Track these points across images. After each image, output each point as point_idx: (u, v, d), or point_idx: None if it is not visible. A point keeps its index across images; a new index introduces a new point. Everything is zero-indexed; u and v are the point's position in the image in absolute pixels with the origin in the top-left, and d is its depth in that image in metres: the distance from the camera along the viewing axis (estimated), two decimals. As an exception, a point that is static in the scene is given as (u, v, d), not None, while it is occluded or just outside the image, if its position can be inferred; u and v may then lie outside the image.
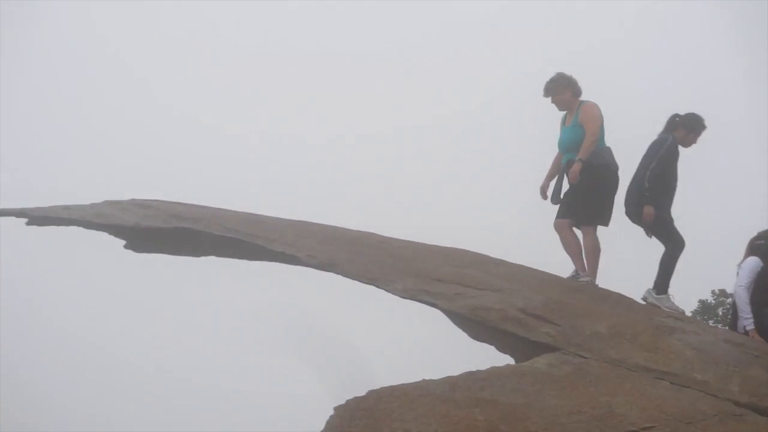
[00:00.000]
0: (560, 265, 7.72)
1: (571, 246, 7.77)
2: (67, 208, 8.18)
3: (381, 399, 3.84)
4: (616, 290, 6.78)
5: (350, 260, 6.61)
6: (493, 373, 4.41)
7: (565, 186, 7.96)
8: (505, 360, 5.29)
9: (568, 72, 8.16)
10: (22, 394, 22.77)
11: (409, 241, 7.67)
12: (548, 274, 6.99)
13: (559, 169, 8.13)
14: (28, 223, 8.25)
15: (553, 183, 8.11)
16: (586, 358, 4.80)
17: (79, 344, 26.02)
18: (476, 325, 5.55)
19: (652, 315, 6.12)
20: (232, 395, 25.19)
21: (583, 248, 7.67)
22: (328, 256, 6.68)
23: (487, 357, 5.33)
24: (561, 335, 5.13)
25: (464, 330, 5.81)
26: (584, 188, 7.67)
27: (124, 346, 26.75)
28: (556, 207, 7.91)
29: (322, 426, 3.59)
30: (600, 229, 7.50)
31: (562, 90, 8.06)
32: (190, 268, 8.66)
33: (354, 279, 6.32)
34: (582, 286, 6.67)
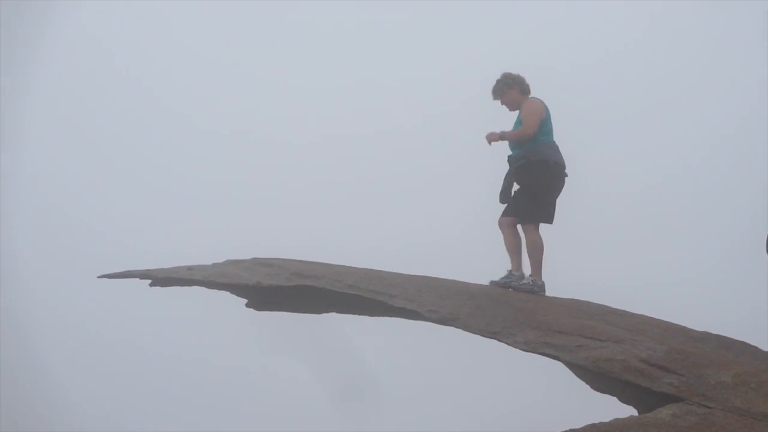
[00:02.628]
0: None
1: (508, 244, 7.95)
2: (190, 268, 8.49)
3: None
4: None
5: (471, 314, 6.70)
6: (617, 424, 4.45)
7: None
8: (628, 411, 5.29)
9: (514, 71, 8.24)
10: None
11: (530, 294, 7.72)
12: (671, 323, 6.95)
13: None
14: (151, 284, 8.58)
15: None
16: (710, 408, 4.78)
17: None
18: (599, 377, 5.57)
19: (779, 362, 6.01)
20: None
21: (525, 247, 7.84)
22: (449, 311, 6.79)
23: (610, 408, 5.35)
24: (685, 385, 5.12)
25: (586, 382, 5.84)
26: (523, 185, 7.90)
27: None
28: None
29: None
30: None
31: (508, 90, 8.13)
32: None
33: (475, 333, 6.41)
34: (704, 336, 6.59)
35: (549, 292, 7.79)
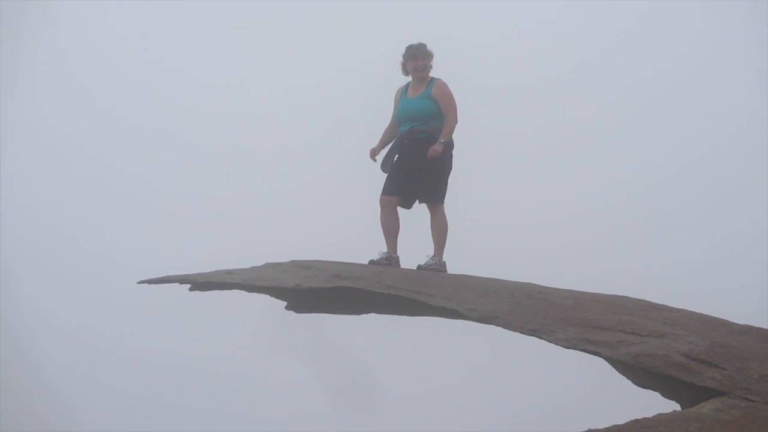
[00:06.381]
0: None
1: (391, 224, 8.25)
2: (229, 272, 8.53)
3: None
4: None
5: (511, 312, 6.71)
6: (660, 420, 4.46)
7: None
8: (670, 406, 5.29)
9: None
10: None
11: (570, 290, 7.70)
12: (712, 317, 6.91)
13: (392, 138, 8.45)
14: (191, 289, 8.65)
15: (385, 150, 8.48)
16: (754, 401, 4.76)
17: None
18: (640, 372, 5.57)
19: (823, 355, 5.95)
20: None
21: (432, 226, 8.23)
22: (488, 309, 6.79)
23: (653, 404, 5.35)
24: (727, 379, 5.10)
25: (628, 377, 5.84)
26: (432, 167, 8.08)
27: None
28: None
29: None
30: None
31: (429, 58, 8.32)
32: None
33: (515, 331, 6.42)
34: (746, 329, 6.55)
35: (588, 288, 7.79)
